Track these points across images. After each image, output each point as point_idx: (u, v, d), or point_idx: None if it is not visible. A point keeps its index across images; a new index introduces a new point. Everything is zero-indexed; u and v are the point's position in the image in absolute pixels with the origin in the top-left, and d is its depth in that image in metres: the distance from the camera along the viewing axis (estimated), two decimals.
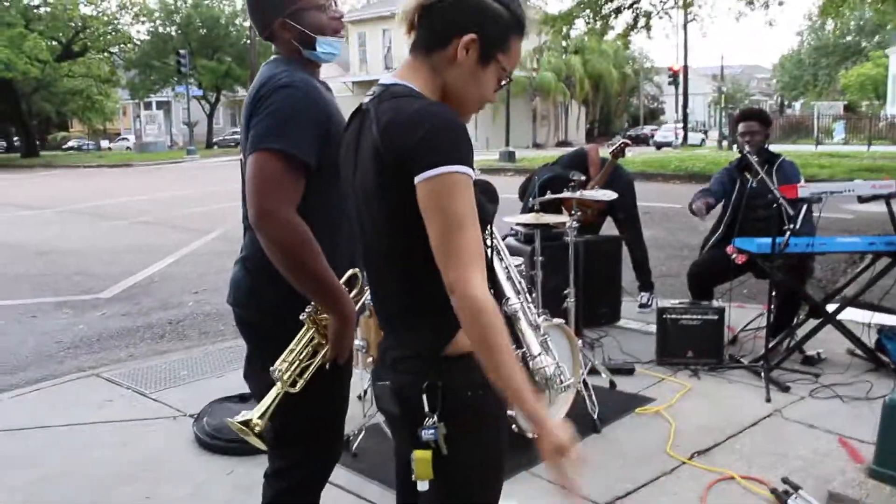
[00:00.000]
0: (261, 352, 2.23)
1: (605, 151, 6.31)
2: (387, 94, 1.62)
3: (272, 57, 2.24)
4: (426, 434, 1.58)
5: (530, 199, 5.49)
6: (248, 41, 39.48)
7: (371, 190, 1.61)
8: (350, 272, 2.18)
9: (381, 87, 1.65)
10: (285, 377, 2.03)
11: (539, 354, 1.63)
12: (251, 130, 2.04)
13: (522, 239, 5.42)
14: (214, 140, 49.59)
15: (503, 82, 1.69)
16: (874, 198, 4.57)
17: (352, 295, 2.20)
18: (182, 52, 37.73)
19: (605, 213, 6.32)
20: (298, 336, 2.09)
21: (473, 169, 1.52)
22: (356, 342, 3.54)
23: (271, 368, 2.03)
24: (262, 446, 2.02)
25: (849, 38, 57.12)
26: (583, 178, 5.60)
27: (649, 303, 6.28)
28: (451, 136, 1.51)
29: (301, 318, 2.06)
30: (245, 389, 2.82)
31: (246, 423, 1.97)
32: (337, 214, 2.18)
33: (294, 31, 2.18)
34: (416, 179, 1.50)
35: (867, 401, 4.16)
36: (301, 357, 2.07)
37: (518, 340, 1.66)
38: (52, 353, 5.86)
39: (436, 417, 1.58)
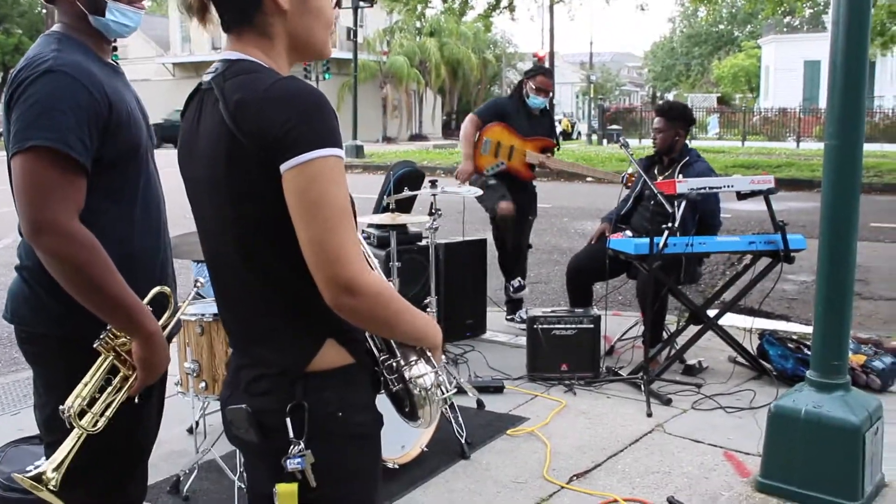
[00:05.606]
0: (47, 377, 2.14)
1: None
2: (232, 71, 1.56)
3: (51, 28, 2.12)
4: (292, 464, 1.54)
5: (384, 196, 5.51)
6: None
7: (220, 182, 1.55)
8: (156, 290, 2.10)
9: (223, 63, 1.59)
10: (85, 420, 1.93)
11: (414, 361, 1.62)
12: (13, 127, 1.93)
13: (375, 242, 5.43)
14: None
15: None
16: (753, 194, 4.89)
17: (165, 316, 2.14)
18: None
19: None
20: (95, 367, 1.99)
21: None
22: (186, 364, 3.44)
23: (61, 408, 1.93)
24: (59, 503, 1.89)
25: (721, 26, 60.87)
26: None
27: (522, 286, 6.29)
28: (321, 116, 1.48)
29: (95, 345, 1.97)
30: None
31: (38, 478, 1.86)
32: (130, 220, 2.11)
33: None
34: (284, 167, 1.46)
35: (750, 410, 4.44)
36: (102, 392, 1.98)
37: (390, 347, 1.64)
38: None
39: (302, 444, 1.54)
